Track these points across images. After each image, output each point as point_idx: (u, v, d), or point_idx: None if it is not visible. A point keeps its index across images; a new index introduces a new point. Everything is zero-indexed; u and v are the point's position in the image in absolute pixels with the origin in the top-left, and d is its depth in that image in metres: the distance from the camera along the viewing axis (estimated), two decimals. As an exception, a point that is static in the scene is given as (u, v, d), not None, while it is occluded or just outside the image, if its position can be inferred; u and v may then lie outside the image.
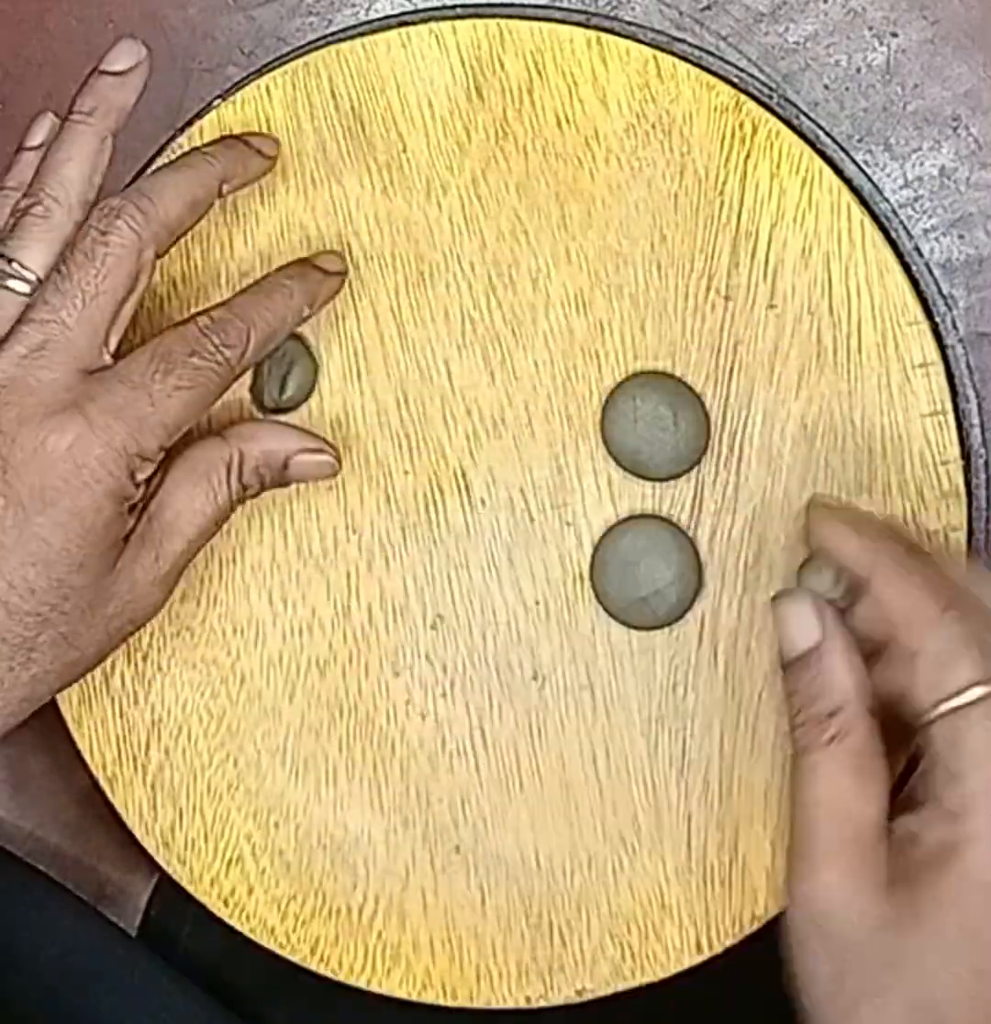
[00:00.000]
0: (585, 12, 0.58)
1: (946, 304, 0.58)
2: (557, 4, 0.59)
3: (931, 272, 0.58)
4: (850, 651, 0.49)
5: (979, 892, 0.46)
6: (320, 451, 0.55)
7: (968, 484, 0.57)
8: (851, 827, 0.48)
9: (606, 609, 0.57)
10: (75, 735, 0.59)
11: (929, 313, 0.57)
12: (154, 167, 0.58)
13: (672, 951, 0.57)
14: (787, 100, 0.58)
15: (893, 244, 0.57)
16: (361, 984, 0.58)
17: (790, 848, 0.49)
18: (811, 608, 0.50)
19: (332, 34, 0.59)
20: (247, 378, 0.57)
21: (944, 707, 0.47)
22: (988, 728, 0.46)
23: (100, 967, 0.61)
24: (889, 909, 0.47)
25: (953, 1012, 0.46)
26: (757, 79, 0.58)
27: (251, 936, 0.58)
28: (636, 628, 0.57)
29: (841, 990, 0.47)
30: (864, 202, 0.58)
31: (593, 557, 0.57)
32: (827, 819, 0.48)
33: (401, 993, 0.58)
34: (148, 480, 0.51)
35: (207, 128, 0.58)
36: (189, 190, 0.52)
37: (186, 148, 0.58)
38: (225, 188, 0.54)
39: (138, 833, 0.58)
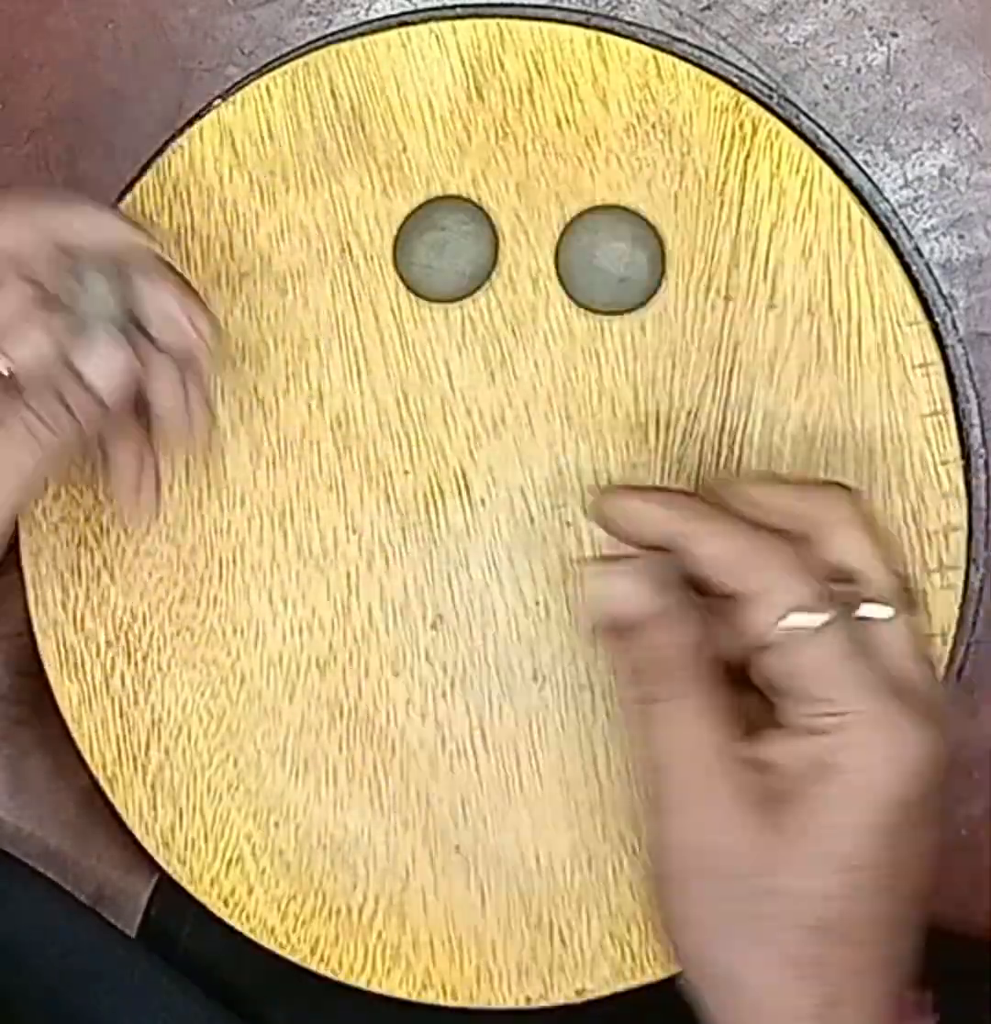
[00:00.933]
0: (585, 12, 0.58)
1: (946, 304, 0.58)
2: (557, 4, 0.59)
3: (931, 272, 0.58)
4: (675, 618, 0.49)
5: (861, 794, 0.46)
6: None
7: (968, 484, 0.57)
8: (706, 766, 0.48)
9: (574, 298, 0.57)
10: (75, 735, 0.59)
11: (929, 313, 0.57)
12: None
13: (672, 951, 0.57)
14: (787, 100, 0.58)
15: (893, 244, 0.57)
16: (361, 984, 0.58)
17: (653, 802, 0.49)
18: (631, 581, 0.50)
19: (332, 34, 0.59)
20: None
21: (770, 638, 0.47)
22: (818, 645, 0.47)
23: (100, 967, 0.61)
24: (768, 834, 0.47)
25: (838, 921, 0.47)
26: (757, 79, 0.58)
27: (251, 936, 0.58)
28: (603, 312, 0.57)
29: (726, 923, 0.48)
30: (864, 202, 0.58)
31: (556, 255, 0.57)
32: (681, 764, 0.48)
33: (401, 993, 0.58)
34: None
35: (207, 128, 0.58)
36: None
37: (186, 148, 0.58)
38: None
39: (138, 833, 0.58)
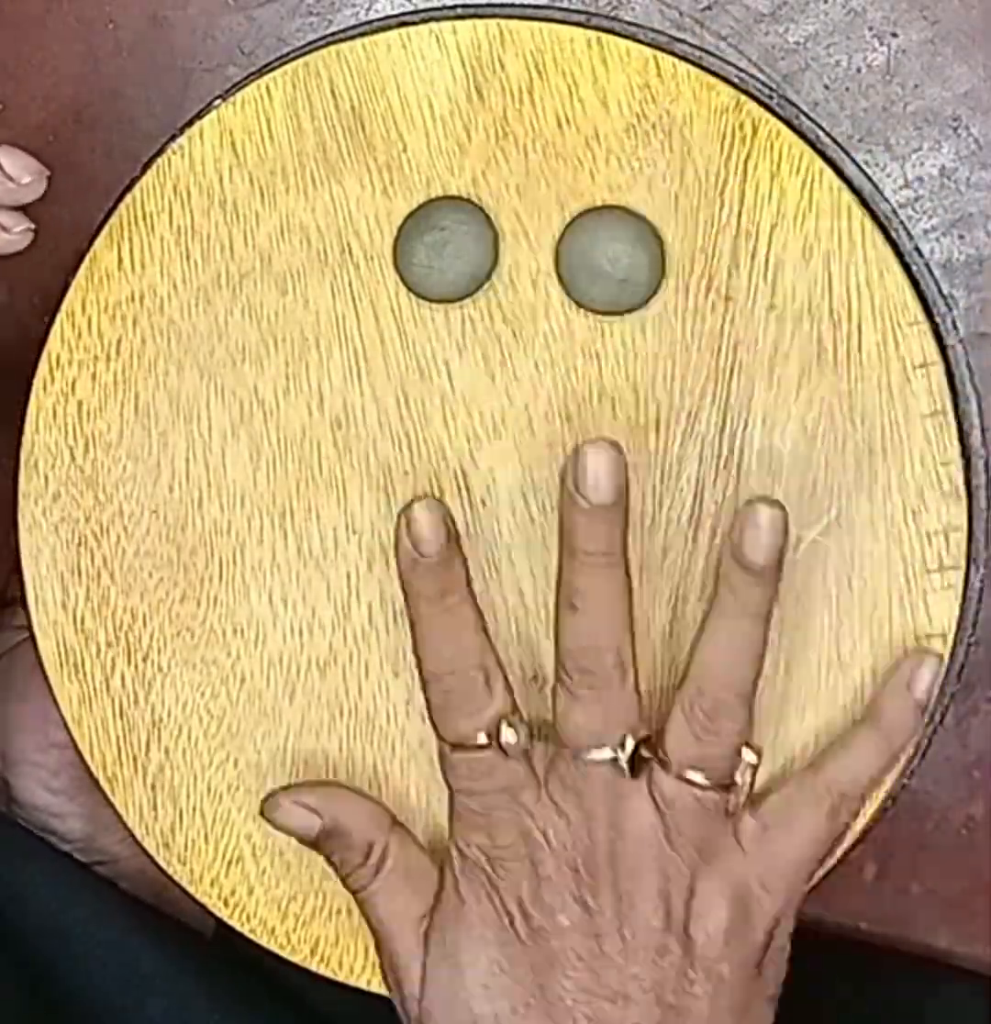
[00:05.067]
0: (585, 12, 0.58)
1: (946, 304, 0.58)
2: (557, 4, 0.59)
3: (931, 272, 0.58)
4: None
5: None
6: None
7: (968, 484, 0.57)
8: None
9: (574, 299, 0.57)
10: (75, 735, 0.58)
11: (929, 313, 0.57)
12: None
13: None
14: (787, 100, 0.58)
15: (893, 244, 0.57)
16: (361, 984, 0.58)
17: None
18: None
19: (332, 34, 0.59)
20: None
21: None
22: None
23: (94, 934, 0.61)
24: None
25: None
26: (757, 79, 0.58)
27: (251, 936, 0.58)
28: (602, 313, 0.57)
29: None
30: (864, 202, 0.58)
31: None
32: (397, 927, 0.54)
33: (401, 993, 0.58)
34: None
35: (207, 128, 0.58)
36: None
37: (186, 148, 0.58)
38: None
39: (138, 833, 0.58)
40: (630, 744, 0.52)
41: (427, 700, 0.54)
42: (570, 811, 0.52)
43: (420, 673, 0.53)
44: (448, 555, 0.52)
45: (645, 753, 0.52)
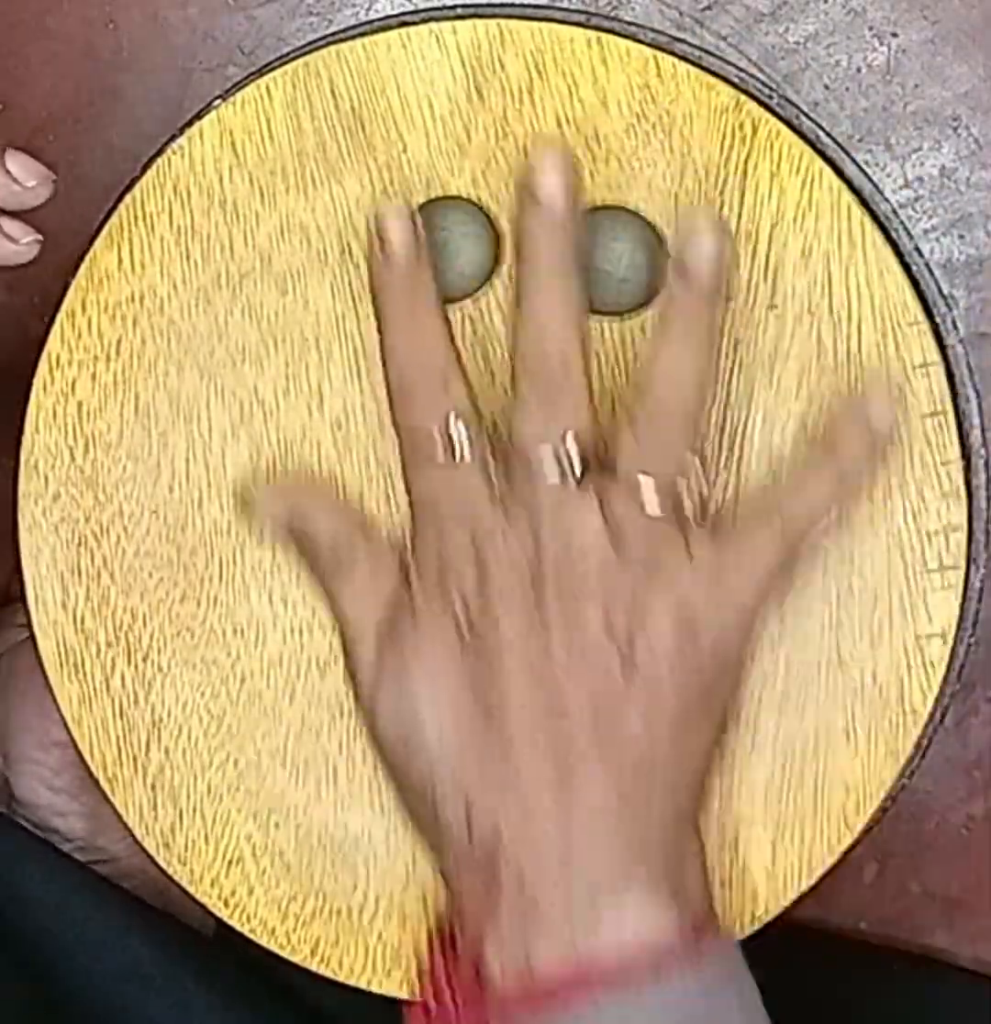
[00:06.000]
0: (585, 12, 0.58)
1: (946, 304, 0.58)
2: (557, 4, 0.59)
3: (931, 272, 0.58)
4: None
5: None
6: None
7: (968, 484, 0.57)
8: None
9: None
10: (75, 735, 0.58)
11: (929, 313, 0.57)
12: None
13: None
14: (787, 100, 0.58)
15: (893, 244, 0.57)
16: (361, 984, 0.58)
17: None
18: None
19: (332, 34, 0.59)
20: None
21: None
22: None
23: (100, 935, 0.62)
24: None
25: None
26: (757, 79, 0.58)
27: (251, 936, 0.58)
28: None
29: None
30: (864, 202, 0.58)
31: None
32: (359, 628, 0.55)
33: (402, 993, 0.58)
34: None
35: (207, 128, 0.58)
36: None
37: (186, 148, 0.58)
38: None
39: (138, 834, 0.58)
40: (571, 441, 0.52)
41: (390, 401, 0.55)
42: (520, 524, 0.52)
43: (385, 377, 0.55)
44: (416, 260, 0.54)
45: (593, 470, 0.53)
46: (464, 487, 0.53)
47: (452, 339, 0.54)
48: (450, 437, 0.53)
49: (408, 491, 0.55)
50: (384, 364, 0.55)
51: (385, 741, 0.55)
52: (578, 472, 0.52)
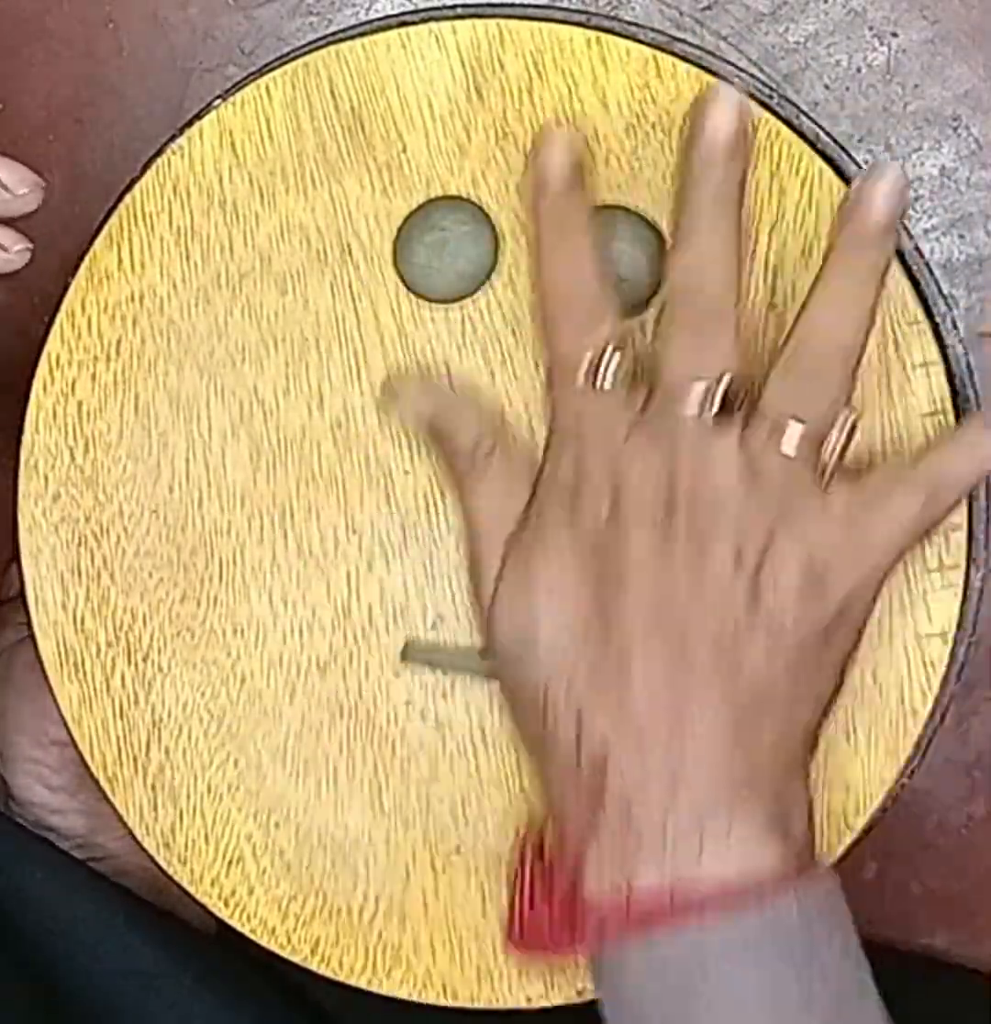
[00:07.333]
0: (585, 12, 0.58)
1: (946, 304, 0.58)
2: (557, 4, 0.59)
3: (931, 272, 0.58)
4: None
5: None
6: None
7: (968, 484, 0.57)
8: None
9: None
10: (75, 735, 0.59)
11: (929, 313, 0.57)
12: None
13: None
14: (787, 100, 0.58)
15: (893, 244, 0.57)
16: (361, 984, 0.58)
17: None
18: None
19: (332, 34, 0.59)
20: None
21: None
22: None
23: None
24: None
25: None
26: (757, 79, 0.58)
27: (251, 936, 0.58)
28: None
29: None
30: (864, 202, 0.58)
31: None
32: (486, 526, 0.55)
33: (402, 993, 0.58)
34: None
35: (207, 128, 0.58)
36: None
37: (186, 148, 0.58)
38: None
39: (138, 834, 0.58)
40: (726, 379, 0.52)
41: (543, 322, 0.55)
42: (658, 454, 0.52)
43: (540, 292, 0.55)
44: (572, 187, 0.54)
45: (740, 408, 0.52)
46: (608, 413, 0.53)
47: (608, 265, 0.54)
48: (598, 365, 0.53)
49: (552, 406, 0.55)
50: (538, 291, 0.55)
51: (502, 651, 0.54)
52: (719, 407, 0.52)
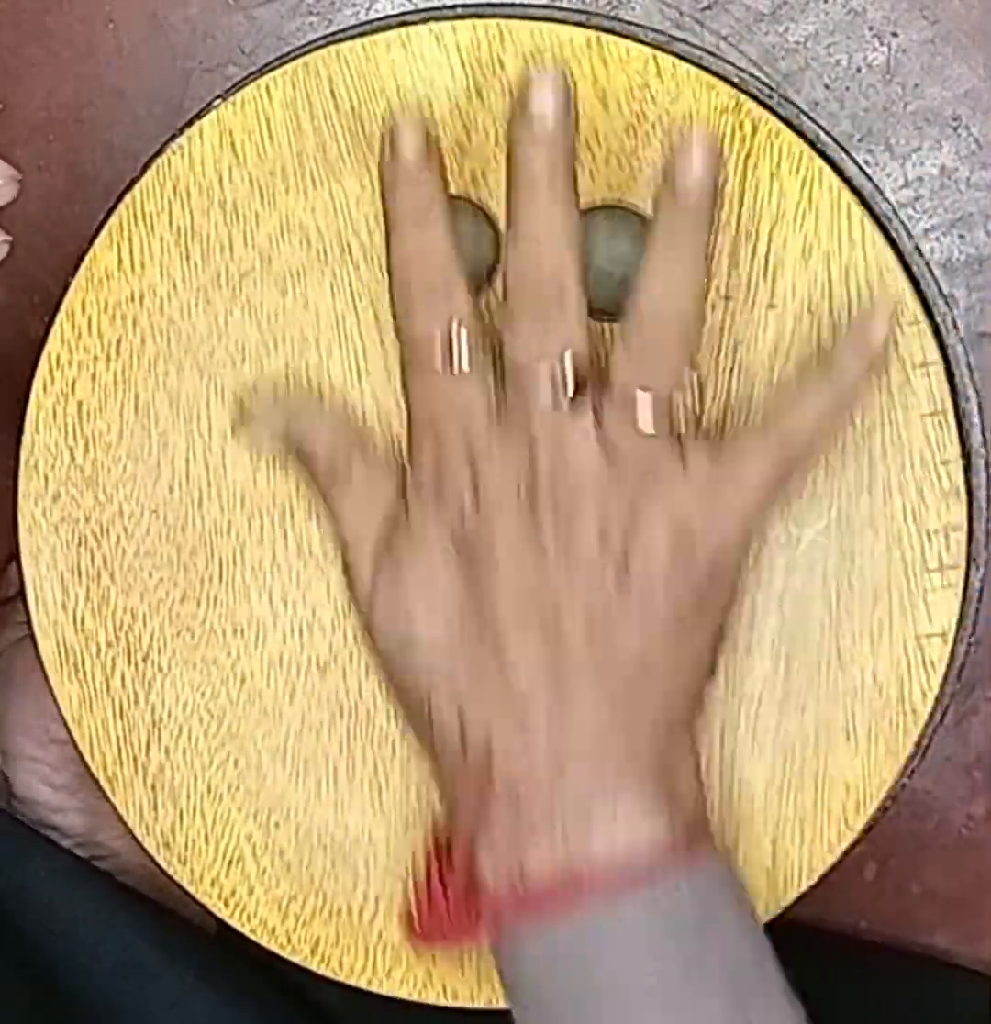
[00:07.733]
0: (585, 12, 0.58)
1: (946, 304, 0.58)
2: (557, 4, 0.59)
3: (931, 272, 0.58)
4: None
5: None
6: None
7: (968, 484, 0.57)
8: None
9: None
10: (75, 735, 0.59)
11: (929, 313, 0.57)
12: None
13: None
14: (787, 100, 0.58)
15: (893, 244, 0.57)
16: (362, 984, 0.58)
17: None
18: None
19: (332, 34, 0.59)
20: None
21: None
22: None
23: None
24: None
25: None
26: (757, 79, 0.58)
27: (252, 936, 0.58)
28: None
29: None
30: (864, 202, 0.58)
31: None
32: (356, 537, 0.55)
33: (402, 993, 0.58)
34: None
35: (207, 128, 0.58)
36: None
37: (186, 148, 0.58)
38: None
39: (138, 834, 0.58)
40: (568, 358, 0.52)
41: (392, 306, 0.54)
42: (516, 439, 0.52)
43: (389, 284, 0.54)
44: (425, 165, 0.53)
45: (589, 390, 0.52)
46: (462, 399, 0.53)
47: (458, 248, 0.54)
48: (451, 346, 0.53)
49: (406, 400, 0.55)
50: (389, 271, 0.54)
51: (385, 655, 0.55)
52: (571, 389, 0.52)
